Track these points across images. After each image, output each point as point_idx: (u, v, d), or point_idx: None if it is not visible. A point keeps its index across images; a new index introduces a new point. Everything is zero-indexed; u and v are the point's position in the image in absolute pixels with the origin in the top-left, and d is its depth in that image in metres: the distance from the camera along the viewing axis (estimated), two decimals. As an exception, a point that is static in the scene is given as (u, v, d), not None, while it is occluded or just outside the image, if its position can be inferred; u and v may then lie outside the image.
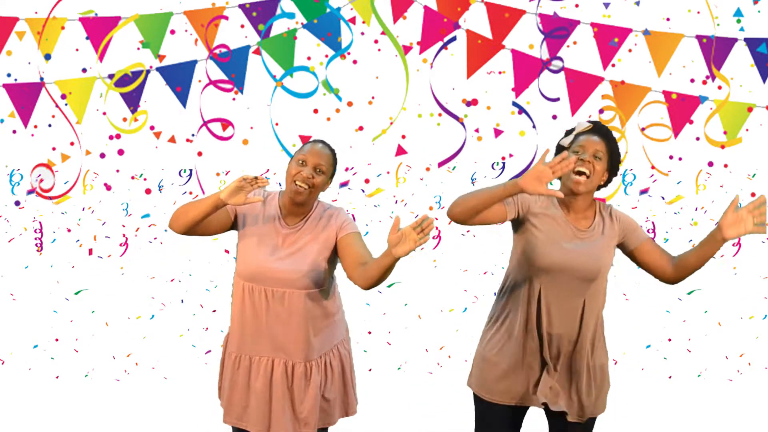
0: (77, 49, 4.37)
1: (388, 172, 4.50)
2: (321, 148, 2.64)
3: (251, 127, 4.44)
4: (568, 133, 2.65)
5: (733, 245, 4.49)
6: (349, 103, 4.43)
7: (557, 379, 2.58)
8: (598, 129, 2.59)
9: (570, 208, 2.59)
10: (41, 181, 4.46)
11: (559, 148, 2.66)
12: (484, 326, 2.72)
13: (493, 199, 2.41)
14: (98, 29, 4.35)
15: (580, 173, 2.52)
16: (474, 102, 4.44)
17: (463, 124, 4.44)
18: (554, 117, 4.44)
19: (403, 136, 4.46)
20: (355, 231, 2.66)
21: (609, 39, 4.38)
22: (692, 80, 4.40)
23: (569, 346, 2.57)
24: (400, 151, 4.47)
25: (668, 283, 2.63)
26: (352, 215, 4.47)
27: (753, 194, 4.46)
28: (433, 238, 4.47)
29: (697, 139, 4.44)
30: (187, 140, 4.44)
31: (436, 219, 4.47)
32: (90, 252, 4.51)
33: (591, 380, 2.61)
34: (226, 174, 4.47)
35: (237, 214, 2.67)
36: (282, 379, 2.62)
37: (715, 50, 4.37)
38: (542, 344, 2.56)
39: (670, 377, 4.53)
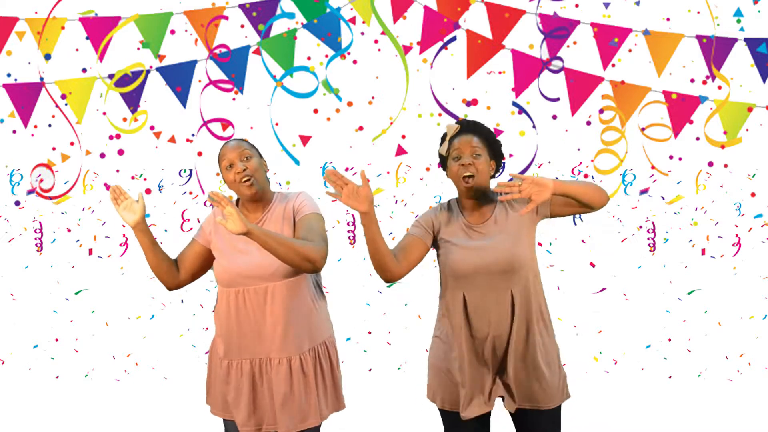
0: (77, 49, 4.37)
1: (388, 172, 4.50)
2: (230, 144, 2.66)
3: (251, 127, 4.44)
4: (442, 140, 2.66)
5: (733, 245, 4.49)
6: (349, 103, 4.43)
7: (495, 381, 2.58)
8: (466, 126, 2.62)
9: (467, 208, 2.62)
10: (41, 181, 4.46)
11: (440, 158, 2.67)
12: (432, 339, 2.74)
13: (373, 242, 2.46)
14: (98, 29, 4.35)
15: (466, 177, 2.54)
16: (474, 102, 4.44)
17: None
18: (554, 117, 4.44)
19: (403, 136, 4.46)
20: (311, 212, 2.64)
21: (609, 39, 4.38)
22: (692, 80, 4.40)
23: (506, 340, 2.55)
24: (400, 151, 4.47)
25: (599, 209, 2.60)
26: (353, 216, 4.47)
27: (753, 194, 4.47)
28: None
29: (697, 139, 4.44)
30: (187, 140, 4.45)
31: None
32: (90, 252, 4.51)
33: (536, 370, 2.57)
34: (226, 174, 4.47)
35: (207, 237, 2.71)
36: (278, 377, 2.62)
37: (715, 50, 4.37)
38: (475, 350, 2.56)
39: (670, 377, 4.53)
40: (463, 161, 2.55)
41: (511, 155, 4.48)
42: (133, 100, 4.40)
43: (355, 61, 4.42)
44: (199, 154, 4.45)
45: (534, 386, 2.58)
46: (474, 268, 2.54)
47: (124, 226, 4.49)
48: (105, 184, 4.46)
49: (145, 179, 4.47)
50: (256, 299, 2.59)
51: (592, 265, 4.48)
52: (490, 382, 2.59)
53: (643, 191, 4.48)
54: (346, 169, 4.46)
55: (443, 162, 2.67)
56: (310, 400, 2.64)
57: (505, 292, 2.54)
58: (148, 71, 4.39)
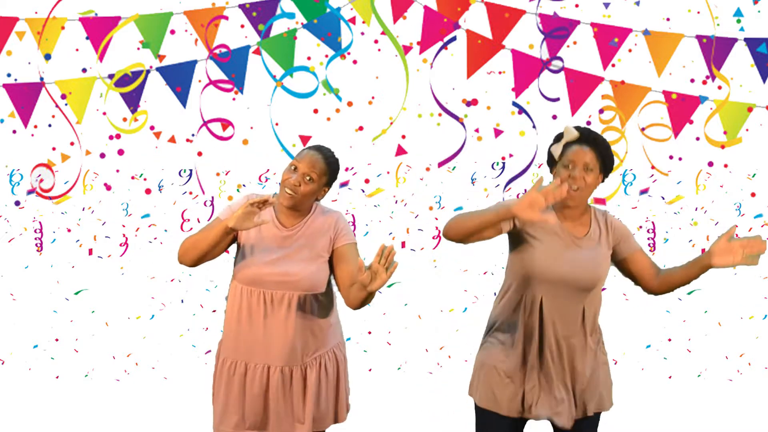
0: (77, 49, 4.37)
1: (388, 172, 4.50)
2: (313, 155, 2.63)
3: (251, 127, 4.44)
4: (558, 138, 2.63)
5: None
6: (349, 103, 4.43)
7: (559, 386, 2.57)
8: (586, 137, 2.57)
9: (565, 215, 2.59)
10: (41, 181, 4.46)
11: (550, 156, 2.64)
12: (484, 334, 2.71)
13: (485, 224, 2.43)
14: (98, 29, 4.35)
15: (570, 185, 2.51)
16: (474, 102, 4.44)
17: (463, 124, 4.44)
18: (554, 117, 4.44)
19: (403, 136, 4.46)
20: (351, 242, 2.66)
21: (609, 39, 4.38)
22: (692, 80, 4.40)
23: (573, 351, 2.57)
24: (400, 151, 4.47)
25: (649, 294, 2.66)
26: (353, 216, 4.47)
27: (753, 194, 4.46)
28: (433, 238, 4.47)
29: (697, 139, 4.44)
30: (187, 140, 4.44)
31: (436, 219, 4.47)
32: (90, 252, 4.51)
33: (596, 380, 2.61)
34: (226, 174, 4.47)
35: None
36: (279, 385, 2.61)
37: (715, 50, 4.37)
38: (543, 354, 2.55)
39: (670, 377, 4.53)
40: (573, 173, 2.51)
41: (511, 155, 4.48)
42: (133, 100, 4.40)
43: (355, 61, 4.42)
44: (199, 154, 4.45)
45: (594, 395, 2.61)
46: (561, 276, 2.52)
47: (124, 226, 4.49)
48: (105, 184, 4.46)
49: (145, 179, 4.47)
50: (273, 305, 2.58)
51: (592, 265, 4.47)
52: (556, 388, 2.57)
53: (643, 191, 4.48)
54: (346, 169, 4.46)
55: (550, 160, 2.63)
56: (307, 410, 2.63)
57: (578, 305, 2.56)
58: (148, 71, 4.39)
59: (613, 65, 4.40)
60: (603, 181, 2.62)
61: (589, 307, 2.57)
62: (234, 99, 4.42)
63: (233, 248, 2.72)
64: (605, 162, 2.58)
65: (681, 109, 4.41)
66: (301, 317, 2.60)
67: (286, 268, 2.56)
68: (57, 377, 4.50)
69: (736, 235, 2.51)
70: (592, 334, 2.61)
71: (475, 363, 2.71)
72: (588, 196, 2.57)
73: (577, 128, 2.60)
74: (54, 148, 4.44)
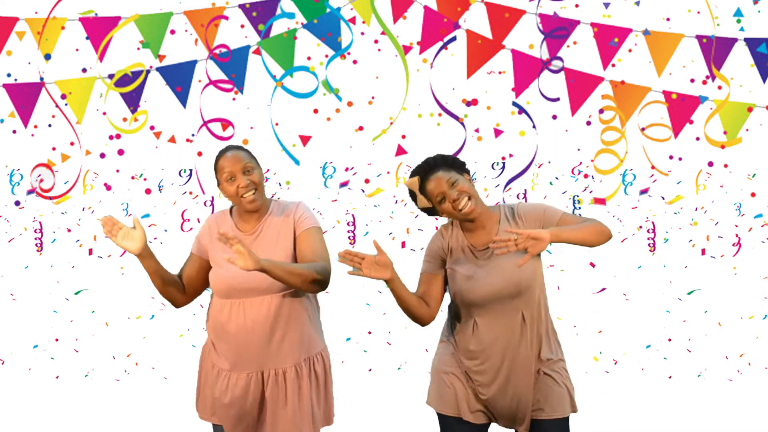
0: (77, 49, 4.37)
1: (388, 172, 4.50)
2: (230, 154, 2.64)
3: (251, 127, 4.44)
4: (413, 197, 2.64)
5: (733, 245, 4.49)
6: (349, 103, 4.43)
7: (513, 394, 2.58)
8: (423, 170, 2.59)
9: (474, 229, 2.60)
10: (41, 181, 4.45)
11: (426, 210, 2.64)
12: (438, 345, 2.74)
13: (400, 299, 2.51)
14: (98, 29, 4.35)
15: (464, 208, 2.51)
16: (474, 102, 4.44)
17: (463, 124, 4.44)
18: (554, 117, 4.44)
19: (403, 136, 4.46)
20: (312, 226, 2.64)
21: (609, 39, 4.38)
22: (692, 80, 4.40)
23: (518, 359, 2.55)
24: (400, 151, 4.47)
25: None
26: (353, 216, 4.47)
27: (753, 194, 4.47)
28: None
29: (697, 139, 4.44)
30: (187, 140, 4.44)
31: (436, 219, 4.46)
32: (90, 252, 4.50)
33: (550, 385, 2.59)
34: (226, 174, 4.47)
35: (204, 250, 2.70)
36: (274, 389, 2.60)
37: (715, 50, 4.37)
38: (490, 368, 2.56)
39: (670, 377, 4.53)
40: (449, 197, 2.52)
41: (511, 155, 4.48)
42: (133, 100, 4.40)
43: (355, 61, 4.42)
44: (199, 154, 4.44)
45: (546, 397, 2.58)
46: (484, 297, 2.53)
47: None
48: (105, 184, 4.46)
49: (145, 179, 4.47)
50: (255, 311, 2.57)
51: (592, 265, 4.47)
52: (501, 399, 2.58)
53: (643, 191, 4.48)
54: (346, 169, 4.46)
55: (431, 212, 2.64)
56: (304, 412, 2.62)
57: (516, 313, 2.54)
58: (148, 71, 4.39)
59: (613, 65, 4.40)
60: (471, 177, 2.63)
61: (528, 312, 2.55)
62: (234, 99, 4.42)
63: None
64: (454, 165, 2.60)
65: (681, 109, 4.41)
66: (285, 317, 2.59)
67: (256, 274, 2.52)
68: (57, 377, 4.50)
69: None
70: (542, 338, 2.58)
71: (431, 371, 2.74)
72: (479, 200, 2.56)
73: (411, 174, 2.63)
74: (54, 148, 4.44)
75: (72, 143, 4.43)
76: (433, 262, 2.64)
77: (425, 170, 2.59)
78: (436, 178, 2.55)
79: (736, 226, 4.47)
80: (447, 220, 2.71)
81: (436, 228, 2.78)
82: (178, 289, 2.69)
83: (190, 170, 4.47)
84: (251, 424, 2.65)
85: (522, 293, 2.53)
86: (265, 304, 2.57)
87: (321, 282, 2.53)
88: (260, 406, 2.63)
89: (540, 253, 2.58)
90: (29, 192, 4.47)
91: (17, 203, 4.48)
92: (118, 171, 4.46)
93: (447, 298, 2.74)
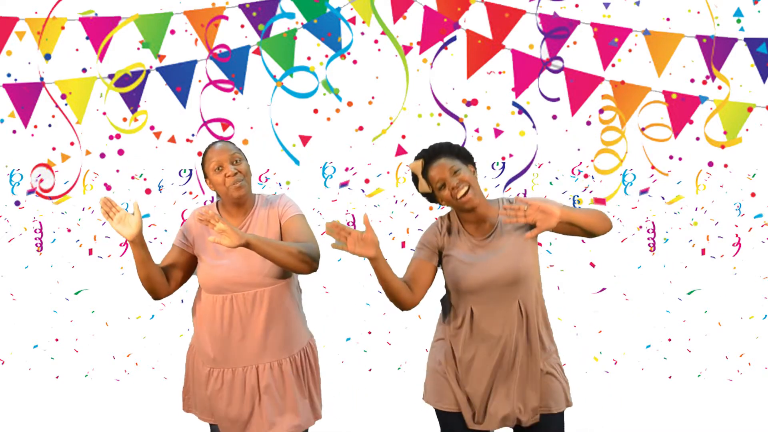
0: (77, 49, 4.37)
1: (388, 172, 4.50)
2: (219, 145, 2.66)
3: (251, 127, 4.44)
4: (414, 180, 2.64)
5: (733, 245, 4.49)
6: (349, 103, 4.43)
7: (509, 389, 2.57)
8: (428, 154, 2.59)
9: (472, 220, 2.60)
10: (41, 181, 4.46)
11: (428, 195, 2.64)
12: (433, 342, 2.74)
13: (384, 280, 2.48)
14: (98, 29, 4.35)
15: (463, 196, 2.51)
16: (474, 102, 4.44)
17: (463, 124, 4.45)
18: (554, 117, 4.44)
19: (403, 136, 4.46)
20: (296, 214, 2.65)
21: (609, 39, 4.38)
22: (692, 80, 4.40)
23: (514, 350, 2.55)
24: (400, 151, 4.47)
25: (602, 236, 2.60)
26: (353, 216, 4.47)
27: (753, 194, 4.47)
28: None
29: (697, 139, 4.44)
30: (187, 140, 4.45)
31: (436, 219, 4.47)
32: (90, 252, 4.51)
33: (548, 380, 2.59)
34: (226, 174, 4.47)
35: (190, 243, 2.69)
36: (269, 381, 2.60)
37: (715, 50, 4.37)
38: (486, 358, 2.55)
39: (670, 377, 4.53)
40: (449, 184, 2.52)
41: (511, 155, 4.48)
42: (133, 100, 4.40)
43: (355, 61, 4.42)
44: (199, 154, 4.44)
45: (543, 391, 2.58)
46: (481, 283, 2.53)
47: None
48: (105, 184, 4.46)
49: (145, 179, 4.47)
50: (244, 306, 2.57)
51: (592, 265, 4.47)
52: (496, 394, 2.58)
53: (643, 191, 4.48)
54: (346, 169, 4.46)
55: (430, 198, 2.64)
56: (294, 404, 2.63)
57: (512, 302, 2.54)
58: (148, 71, 4.39)
59: (613, 65, 4.40)
60: (476, 170, 2.62)
61: (524, 302, 2.54)
62: (234, 99, 4.42)
63: None
64: (459, 154, 2.59)
65: (681, 109, 4.41)
66: (276, 310, 2.59)
67: (248, 266, 2.55)
68: (57, 377, 4.50)
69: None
70: (538, 330, 2.57)
71: (426, 369, 2.74)
72: (479, 191, 2.55)
73: (416, 157, 2.62)
74: (54, 148, 4.44)
75: (72, 143, 4.44)
76: (426, 250, 2.63)
77: (430, 155, 2.60)
78: (439, 165, 2.55)
79: (736, 226, 4.48)
80: (446, 212, 2.71)
81: (436, 218, 2.77)
82: (162, 280, 2.65)
83: (190, 170, 4.47)
84: (244, 420, 2.64)
85: (520, 281, 2.53)
86: (257, 299, 2.57)
87: (310, 260, 2.51)
88: (251, 401, 2.62)
89: (538, 246, 2.61)
90: (29, 192, 4.47)
91: (17, 203, 4.48)
92: (118, 171, 4.47)
93: (439, 293, 2.73)
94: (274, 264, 2.53)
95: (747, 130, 4.44)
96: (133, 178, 4.47)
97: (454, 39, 4.42)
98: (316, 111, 4.44)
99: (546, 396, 2.59)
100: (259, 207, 2.67)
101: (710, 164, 4.47)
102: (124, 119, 4.42)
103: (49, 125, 4.43)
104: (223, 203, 2.68)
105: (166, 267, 2.69)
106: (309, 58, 4.42)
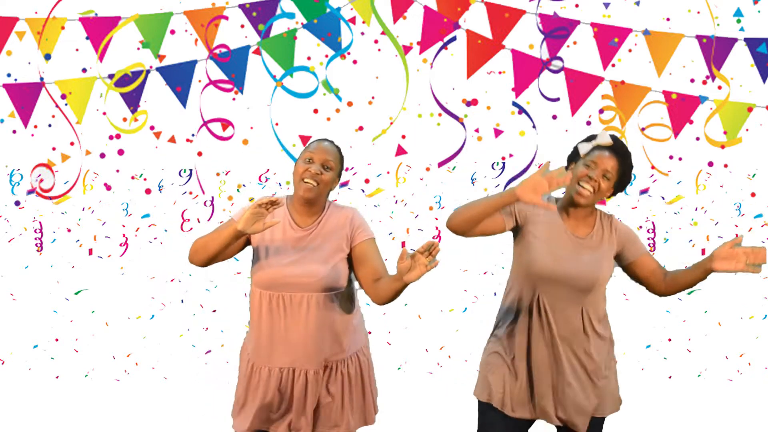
0: (77, 49, 4.37)
1: (388, 172, 4.50)
2: (327, 145, 2.62)
3: (251, 127, 4.44)
4: (589, 138, 2.63)
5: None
6: (349, 103, 4.43)
7: (565, 389, 2.56)
8: (618, 148, 2.59)
9: (570, 214, 2.59)
10: (41, 181, 4.46)
11: (575, 153, 2.64)
12: (490, 334, 2.72)
13: (489, 208, 2.43)
14: (98, 29, 4.35)
15: (582, 189, 2.52)
16: (474, 102, 4.44)
17: (463, 124, 4.45)
18: (554, 117, 4.44)
19: (403, 136, 4.46)
20: (370, 237, 2.64)
21: (609, 39, 4.38)
22: (692, 80, 4.40)
23: (572, 353, 2.56)
24: (400, 151, 4.47)
25: (657, 295, 2.66)
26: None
27: (753, 194, 4.47)
28: (433, 238, 4.47)
29: (697, 139, 4.44)
30: (187, 140, 4.44)
31: (436, 219, 4.47)
32: (90, 252, 4.51)
33: (600, 384, 2.60)
34: (226, 174, 4.47)
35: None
36: (302, 388, 2.59)
37: (715, 50, 4.37)
38: (538, 355, 2.55)
39: (670, 377, 4.53)
40: (592, 173, 2.53)
41: (511, 155, 4.48)
42: (133, 100, 4.40)
43: (355, 61, 4.42)
44: (199, 154, 4.44)
45: (602, 399, 2.60)
46: (559, 275, 2.52)
47: (124, 226, 4.49)
48: (105, 184, 4.46)
49: (145, 179, 4.47)
50: (293, 307, 2.55)
51: (592, 265, 4.47)
52: (549, 390, 2.58)
53: (643, 191, 4.48)
54: (346, 169, 4.45)
55: (574, 156, 2.64)
56: (338, 411, 2.63)
57: (577, 306, 2.55)
58: (148, 71, 4.39)
59: (613, 65, 4.40)
60: (612, 195, 2.63)
61: (589, 309, 2.56)
62: (234, 99, 4.42)
63: (248, 252, 2.69)
64: (623, 177, 2.60)
65: (681, 109, 4.41)
66: (322, 318, 2.56)
67: (304, 269, 2.53)
68: (57, 377, 4.50)
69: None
70: (597, 337, 2.59)
71: (480, 362, 2.72)
72: (596, 201, 2.57)
73: (612, 137, 2.61)
74: (54, 148, 4.44)
75: (72, 143, 4.44)
76: (508, 210, 2.57)
77: (618, 149, 2.59)
78: (609, 159, 2.56)
79: (736, 226, 4.48)
80: (555, 197, 2.66)
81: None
82: (216, 258, 2.56)
83: (190, 170, 4.47)
84: (280, 423, 2.63)
85: (592, 292, 2.54)
86: (305, 301, 2.55)
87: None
88: (293, 405, 2.60)
89: (617, 263, 2.62)
90: (29, 192, 4.47)
91: (17, 203, 4.48)
92: (118, 171, 4.46)
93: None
94: (330, 272, 2.54)
95: (747, 130, 4.44)
96: (133, 178, 4.47)
97: (454, 39, 4.42)
98: (316, 111, 4.44)
99: (600, 400, 2.61)
100: (330, 215, 2.63)
101: (710, 164, 4.47)
102: (124, 119, 4.42)
103: (49, 125, 4.43)
104: (293, 198, 2.63)
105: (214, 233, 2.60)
106: (309, 58, 4.42)
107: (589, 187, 2.52)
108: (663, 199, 4.49)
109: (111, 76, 4.39)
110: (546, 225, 2.57)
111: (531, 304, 2.56)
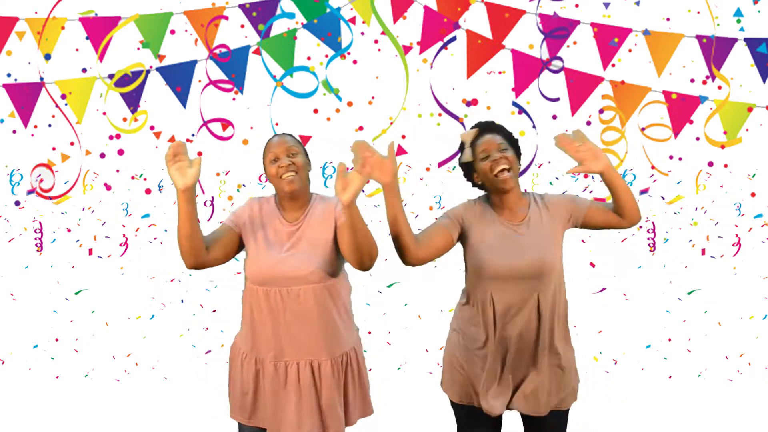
0: (77, 49, 4.37)
1: (388, 172, 4.50)
2: (279, 137, 2.65)
3: (251, 127, 4.44)
4: (461, 148, 2.65)
5: (733, 245, 4.49)
6: (349, 103, 4.43)
7: (516, 377, 2.57)
8: (485, 127, 2.62)
9: (502, 205, 2.59)
10: (41, 181, 4.46)
11: (465, 166, 2.64)
12: (449, 332, 2.75)
13: (395, 218, 2.42)
14: (98, 29, 4.35)
15: (502, 171, 2.52)
16: (474, 102, 4.44)
17: (463, 124, 4.45)
18: (554, 117, 4.44)
19: (403, 136, 4.46)
20: None
21: (609, 39, 4.38)
22: (692, 80, 4.40)
23: (530, 344, 2.55)
24: (400, 151, 4.47)
25: (626, 228, 2.60)
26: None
27: (753, 194, 4.47)
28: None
29: (697, 139, 4.44)
30: (187, 140, 4.44)
31: (436, 219, 4.47)
32: (90, 252, 4.51)
33: (554, 376, 2.59)
34: (226, 174, 4.47)
35: (240, 226, 2.66)
36: (310, 380, 2.60)
37: (715, 50, 4.37)
38: (502, 347, 2.56)
39: (670, 377, 4.53)
40: (493, 157, 2.53)
41: (511, 155, 4.48)
42: (133, 100, 4.40)
43: (355, 61, 4.42)
44: (199, 154, 4.44)
45: (554, 388, 2.59)
46: (504, 270, 2.51)
47: (124, 226, 4.50)
48: (105, 184, 4.46)
49: (145, 179, 4.47)
50: (286, 301, 2.56)
51: (592, 265, 4.48)
52: (511, 382, 2.58)
53: (643, 191, 4.48)
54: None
55: (468, 170, 2.63)
56: (341, 403, 2.63)
57: (532, 294, 2.53)
58: (148, 71, 4.39)
59: (613, 65, 4.40)
60: (520, 161, 2.63)
61: (544, 297, 2.53)
62: (234, 99, 4.42)
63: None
64: (511, 141, 2.61)
65: (681, 109, 4.41)
66: (318, 310, 2.58)
67: (296, 263, 2.55)
68: (57, 377, 4.50)
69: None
70: (556, 327, 2.57)
71: (443, 358, 2.75)
72: (517, 175, 2.57)
73: (473, 126, 2.64)
74: (54, 148, 4.44)
75: (72, 143, 4.44)
76: (450, 220, 2.60)
77: (485, 128, 2.61)
78: (491, 137, 2.57)
79: (736, 226, 4.48)
80: (478, 195, 2.68)
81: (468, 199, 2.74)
82: (202, 245, 2.52)
83: (190, 170, 4.46)
84: (276, 416, 2.63)
85: (543, 276, 2.52)
86: (301, 294, 2.56)
87: (375, 256, 2.49)
88: (302, 398, 2.61)
89: (563, 243, 2.59)
90: (29, 192, 4.47)
91: (17, 203, 4.48)
92: (118, 171, 4.47)
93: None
94: (324, 261, 2.54)
95: (747, 130, 4.44)
96: (133, 178, 4.47)
97: (454, 39, 4.42)
98: (316, 111, 4.44)
99: (556, 391, 2.60)
100: (316, 204, 2.66)
101: (710, 164, 4.47)
102: (124, 119, 4.42)
103: (49, 125, 4.43)
104: (280, 198, 2.65)
105: (212, 239, 2.60)
106: (309, 58, 4.42)
107: (501, 166, 2.52)
108: (663, 199, 4.49)
109: (111, 76, 4.39)
110: (483, 223, 2.58)
111: (485, 303, 2.56)
